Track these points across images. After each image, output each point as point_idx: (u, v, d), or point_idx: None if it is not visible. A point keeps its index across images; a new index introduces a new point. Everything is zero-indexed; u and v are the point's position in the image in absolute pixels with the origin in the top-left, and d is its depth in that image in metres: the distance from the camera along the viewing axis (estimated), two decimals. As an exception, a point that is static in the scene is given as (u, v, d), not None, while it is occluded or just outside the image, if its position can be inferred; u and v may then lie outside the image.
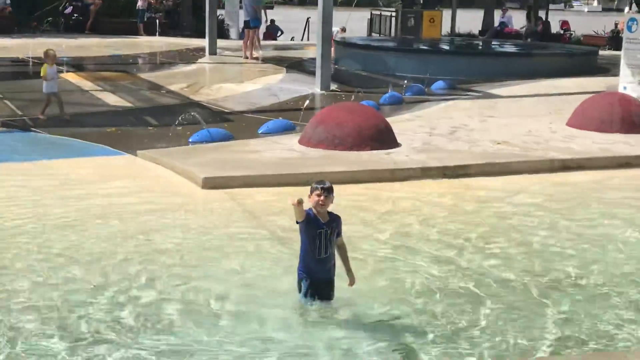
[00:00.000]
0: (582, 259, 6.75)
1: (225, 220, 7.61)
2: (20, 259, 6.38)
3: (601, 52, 23.59)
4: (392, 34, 30.39)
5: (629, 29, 14.23)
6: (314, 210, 5.33)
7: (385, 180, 9.19)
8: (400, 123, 12.17)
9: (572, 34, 33.07)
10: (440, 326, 5.33)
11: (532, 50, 23.66)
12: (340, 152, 10.11)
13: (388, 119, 11.31)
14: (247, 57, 22.22)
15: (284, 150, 10.31)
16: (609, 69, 20.01)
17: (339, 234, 5.48)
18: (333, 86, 16.43)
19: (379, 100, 14.50)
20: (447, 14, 31.33)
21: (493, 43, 26.50)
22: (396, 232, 7.35)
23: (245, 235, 7.14)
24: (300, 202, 5.11)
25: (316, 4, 15.92)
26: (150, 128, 12.43)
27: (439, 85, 16.89)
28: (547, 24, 32.32)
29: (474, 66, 19.76)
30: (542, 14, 34.73)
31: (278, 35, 32.42)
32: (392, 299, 5.76)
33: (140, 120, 13.11)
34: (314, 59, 17.13)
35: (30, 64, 19.05)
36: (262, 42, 25.87)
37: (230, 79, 18.55)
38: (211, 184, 8.75)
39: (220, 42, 24.31)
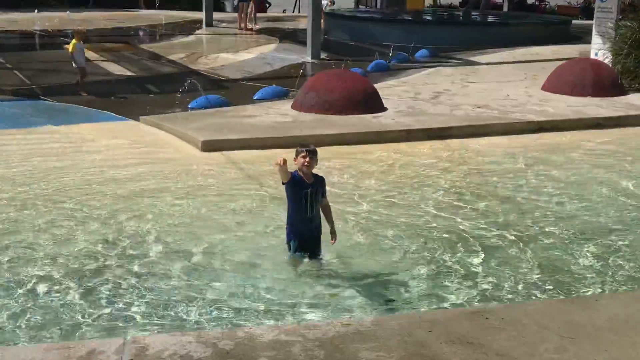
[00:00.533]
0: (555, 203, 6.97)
1: (223, 180, 7.60)
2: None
3: (574, 22, 23.51)
4: (378, 5, 30.20)
5: (601, -2, 14.16)
6: (299, 172, 5.30)
7: (372, 142, 9.19)
8: (386, 89, 12.16)
9: (547, 5, 32.93)
10: (420, 276, 5.32)
11: (510, 20, 23.55)
12: (331, 116, 10.11)
13: (375, 85, 11.29)
14: (242, 29, 22.10)
15: (278, 114, 10.29)
16: (582, 37, 19.97)
17: (323, 195, 5.44)
18: (323, 55, 16.40)
19: (367, 67, 14.49)
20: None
21: (473, 14, 26.35)
22: (379, 190, 7.37)
23: (242, 193, 7.14)
24: (284, 162, 5.02)
25: (307, -22, 15.82)
26: (152, 95, 12.39)
27: (422, 53, 16.84)
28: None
29: (456, 35, 19.70)
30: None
31: (267, 7, 32.09)
32: (373, 251, 5.76)
33: (142, 88, 13.06)
34: (305, 30, 17.04)
35: (37, 36, 18.87)
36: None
37: (226, 48, 18.45)
38: (210, 146, 8.74)
39: (217, 15, 24.14)
